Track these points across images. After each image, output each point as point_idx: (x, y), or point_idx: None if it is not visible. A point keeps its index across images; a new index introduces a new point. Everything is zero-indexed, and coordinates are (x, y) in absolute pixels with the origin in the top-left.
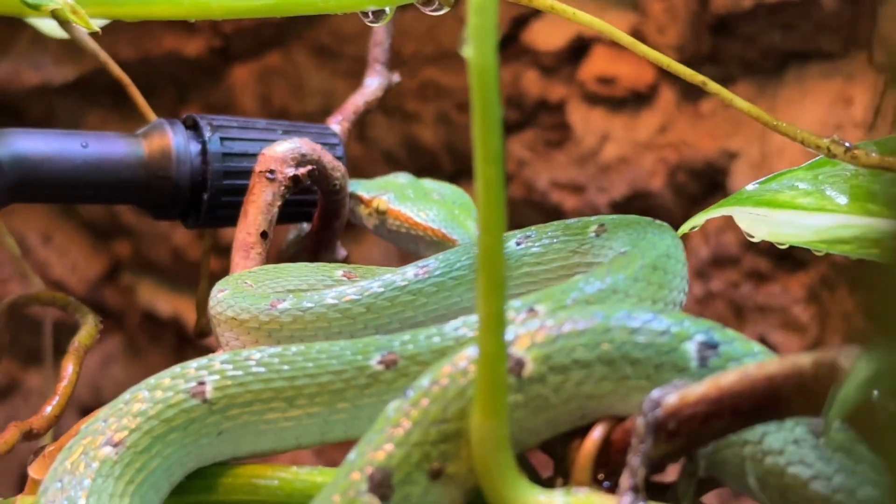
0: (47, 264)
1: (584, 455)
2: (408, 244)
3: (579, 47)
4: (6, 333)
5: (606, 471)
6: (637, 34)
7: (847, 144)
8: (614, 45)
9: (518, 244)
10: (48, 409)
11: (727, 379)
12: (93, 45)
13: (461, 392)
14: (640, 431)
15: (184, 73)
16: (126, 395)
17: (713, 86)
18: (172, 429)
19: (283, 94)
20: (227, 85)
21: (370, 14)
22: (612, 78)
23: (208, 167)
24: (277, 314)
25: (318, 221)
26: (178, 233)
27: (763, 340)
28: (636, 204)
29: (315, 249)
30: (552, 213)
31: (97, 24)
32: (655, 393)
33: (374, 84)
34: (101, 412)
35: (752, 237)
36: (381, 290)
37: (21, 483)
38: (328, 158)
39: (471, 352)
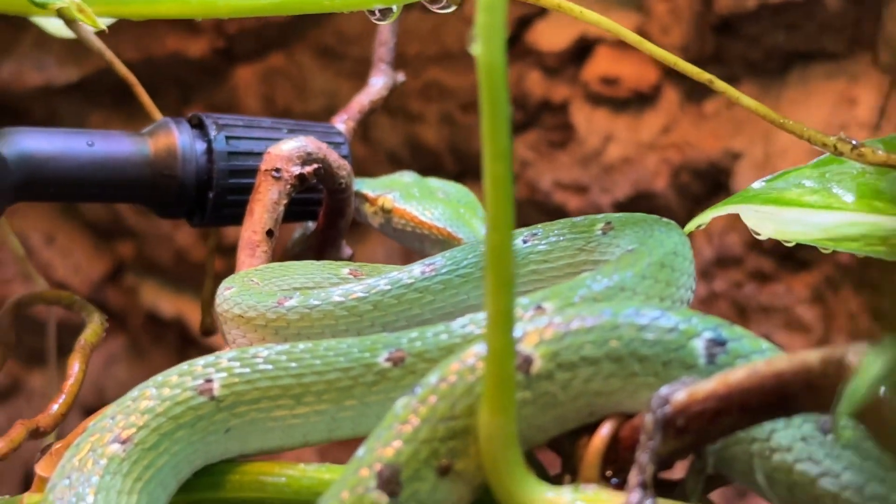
0: (50, 265)
1: (593, 452)
2: (413, 243)
3: (583, 48)
4: (12, 332)
5: (615, 468)
6: (641, 35)
7: (853, 142)
8: (618, 45)
9: (525, 242)
10: (55, 408)
11: (736, 375)
12: (98, 44)
13: (469, 389)
14: (648, 428)
15: (187, 73)
16: (134, 393)
17: (720, 84)
18: (180, 426)
19: (286, 94)
20: (231, 86)
21: (377, 12)
22: (615, 78)
23: (214, 166)
24: (284, 312)
25: (323, 220)
26: (181, 233)
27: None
28: (640, 204)
29: (320, 248)
30: (555, 214)
31: (103, 22)
32: (664, 389)
33: (379, 83)
34: (109, 409)
35: (759, 235)
36: (388, 287)
37: (25, 482)
38: (334, 157)
39: (479, 349)
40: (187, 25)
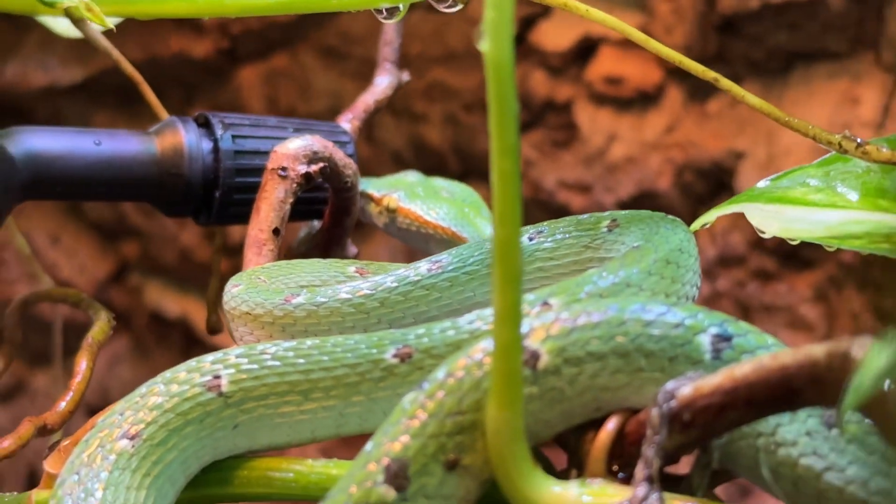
0: (55, 265)
1: (599, 446)
2: (418, 242)
3: (586, 48)
4: (18, 331)
5: (621, 462)
6: (644, 34)
7: (858, 140)
8: (621, 45)
9: (531, 240)
10: (62, 405)
11: (742, 370)
12: (105, 43)
13: (477, 384)
14: (654, 422)
15: (191, 74)
16: (142, 389)
17: (725, 82)
18: (188, 422)
19: (290, 95)
20: (235, 86)
21: (384, 11)
22: (619, 78)
23: (220, 165)
24: (292, 309)
25: (329, 219)
26: (185, 234)
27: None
28: (643, 204)
29: (326, 247)
30: (559, 213)
31: (111, 22)
32: (670, 384)
33: (384, 83)
34: (118, 406)
35: (764, 233)
36: (395, 284)
37: (30, 480)
38: (340, 156)
39: (486, 344)
40: (192, 26)
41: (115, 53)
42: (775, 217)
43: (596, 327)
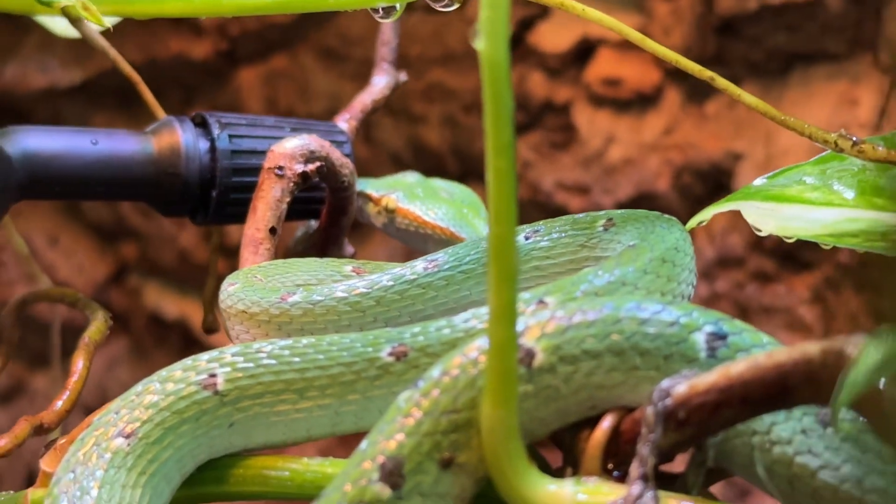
0: (53, 266)
1: (594, 444)
2: (416, 242)
3: (585, 49)
4: (16, 331)
5: (616, 460)
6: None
7: (854, 139)
8: (620, 46)
9: (527, 238)
10: (59, 404)
11: (737, 368)
12: (103, 42)
13: (472, 382)
14: (649, 420)
15: (190, 75)
16: (138, 387)
17: (721, 81)
18: (184, 420)
19: (289, 96)
20: (234, 87)
21: (380, 10)
22: (617, 80)
23: (217, 164)
24: (288, 307)
25: (326, 218)
26: (184, 235)
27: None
28: (642, 205)
29: (323, 246)
30: (557, 215)
31: (108, 21)
32: (665, 382)
33: (381, 83)
34: (113, 404)
35: (760, 231)
36: (391, 283)
37: (28, 479)
38: (337, 155)
39: (481, 342)
40: (190, 27)
41: (114, 53)
42: (771, 215)
43: (591, 325)
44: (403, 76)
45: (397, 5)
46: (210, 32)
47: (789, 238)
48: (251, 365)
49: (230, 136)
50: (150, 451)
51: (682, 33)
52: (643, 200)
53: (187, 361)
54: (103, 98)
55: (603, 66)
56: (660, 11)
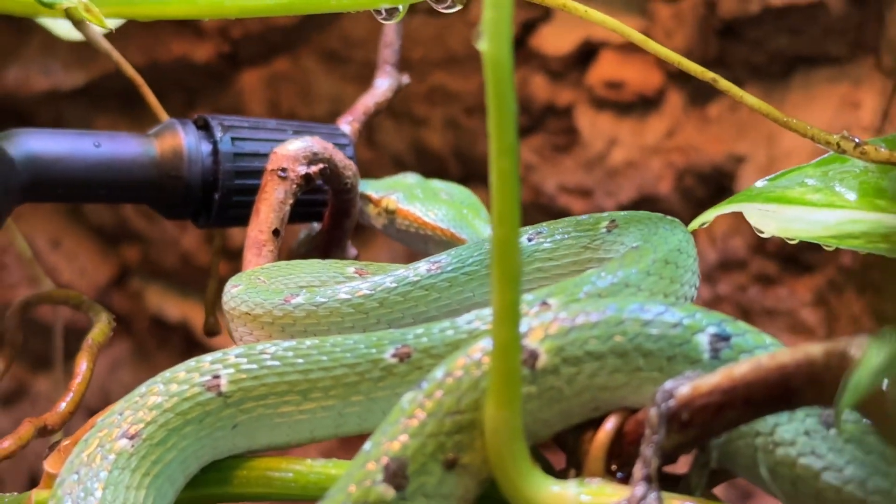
0: (56, 269)
1: (597, 446)
2: (417, 244)
3: (587, 52)
4: (19, 333)
5: (619, 462)
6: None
7: (857, 140)
8: (622, 49)
9: (530, 240)
10: (62, 406)
11: (740, 369)
12: (106, 45)
13: (475, 383)
14: (653, 422)
15: (193, 78)
16: (142, 389)
17: (724, 83)
18: (188, 422)
19: (291, 98)
20: (236, 90)
21: (383, 12)
22: (619, 82)
23: (219, 167)
24: (291, 309)
25: (328, 220)
26: (186, 238)
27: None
28: (644, 208)
29: (326, 248)
30: (560, 217)
31: (111, 23)
32: (668, 384)
33: (384, 85)
34: (117, 405)
35: (762, 233)
36: (394, 285)
37: (31, 480)
38: (339, 157)
39: (485, 343)
40: (193, 30)
41: (116, 55)
42: (773, 217)
43: (594, 327)
44: (406, 78)
45: (400, 7)
46: (212, 35)
47: (791, 239)
48: (255, 366)
49: (233, 139)
50: (154, 453)
51: (684, 36)
52: (645, 203)
53: (191, 363)
54: (106, 100)
55: (605, 68)
56: (662, 14)
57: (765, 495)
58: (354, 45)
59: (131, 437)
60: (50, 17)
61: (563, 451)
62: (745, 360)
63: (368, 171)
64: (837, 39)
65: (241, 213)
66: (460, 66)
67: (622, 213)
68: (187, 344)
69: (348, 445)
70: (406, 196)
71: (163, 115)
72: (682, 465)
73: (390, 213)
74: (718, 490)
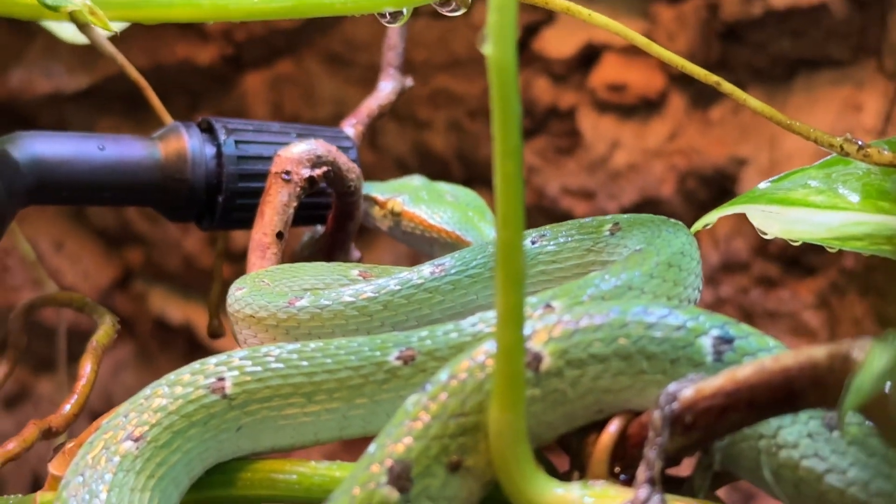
0: (59, 271)
1: (601, 448)
2: (422, 246)
3: (590, 55)
4: (23, 336)
5: (623, 464)
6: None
7: (859, 143)
8: (624, 52)
9: (533, 243)
10: (66, 408)
11: (743, 372)
12: (110, 48)
13: (479, 386)
14: (656, 424)
15: (196, 81)
16: (146, 391)
17: (727, 86)
18: (192, 424)
19: (294, 101)
20: (240, 93)
21: (387, 15)
22: (622, 85)
23: (223, 170)
24: (295, 312)
25: (332, 223)
26: (189, 240)
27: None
28: (646, 210)
29: (329, 251)
30: (562, 220)
31: (115, 26)
32: (672, 386)
33: (387, 88)
34: (122, 408)
35: (765, 234)
36: (398, 287)
37: (34, 482)
38: (343, 160)
39: (489, 346)
40: (196, 33)
41: (121, 58)
42: (777, 218)
43: (598, 330)
44: (409, 81)
45: (404, 10)
46: (216, 38)
47: (794, 241)
48: (259, 369)
49: (236, 142)
50: (159, 455)
51: (686, 39)
52: (648, 206)
53: (195, 365)
54: (109, 103)
55: (608, 71)
56: (664, 17)
57: (768, 498)
58: (358, 48)
59: (136, 440)
60: (54, 20)
61: (566, 453)
62: (749, 362)
63: (372, 174)
64: (840, 42)
65: (244, 215)
66: (464, 69)
67: (625, 215)
68: (190, 346)
69: (352, 448)
70: (412, 198)
71: (166, 117)
72: (685, 468)
73: (396, 216)
74: (722, 492)
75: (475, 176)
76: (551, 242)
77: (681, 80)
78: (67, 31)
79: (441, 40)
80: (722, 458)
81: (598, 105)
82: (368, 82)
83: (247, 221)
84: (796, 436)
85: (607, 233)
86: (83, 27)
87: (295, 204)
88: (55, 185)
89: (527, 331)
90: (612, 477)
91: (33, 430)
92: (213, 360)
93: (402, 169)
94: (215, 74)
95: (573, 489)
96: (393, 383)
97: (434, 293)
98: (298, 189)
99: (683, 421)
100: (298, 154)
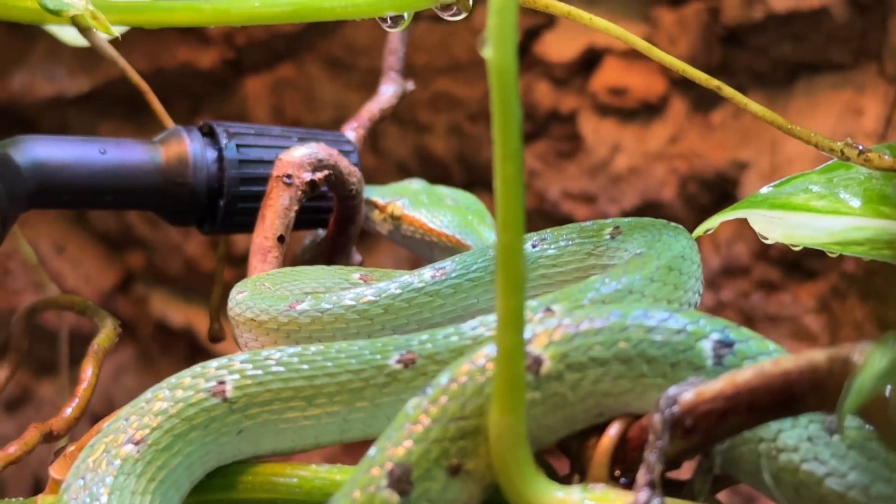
0: (60, 275)
1: (601, 451)
2: (422, 249)
3: (591, 59)
4: (24, 339)
5: (623, 467)
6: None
7: (861, 147)
8: (625, 56)
9: (534, 247)
10: (68, 412)
11: (743, 375)
12: (112, 52)
13: (479, 389)
14: (656, 428)
15: (197, 85)
16: (147, 394)
17: (728, 90)
18: (193, 427)
19: (295, 105)
20: (241, 97)
21: (388, 19)
22: (623, 89)
23: (224, 174)
24: (296, 315)
25: (333, 227)
26: (190, 243)
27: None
28: (647, 214)
29: (331, 255)
30: (563, 224)
31: (117, 30)
32: (672, 390)
33: (388, 92)
34: (123, 411)
35: (766, 239)
36: (399, 291)
37: (35, 486)
38: (344, 164)
39: (489, 350)
40: (197, 37)
41: (122, 62)
42: (778, 223)
43: (598, 333)
44: (411, 85)
45: (405, 14)
46: (217, 42)
47: (795, 246)
48: (260, 372)
49: (238, 146)
50: (160, 458)
51: (687, 43)
52: (649, 209)
53: (196, 368)
54: (111, 107)
55: (609, 75)
56: (665, 21)
57: (768, 501)
58: (359, 52)
59: (137, 443)
60: (55, 24)
61: (566, 456)
62: (749, 366)
63: (373, 178)
64: (841, 46)
65: (246, 219)
66: (464, 72)
67: (626, 219)
68: (191, 350)
69: (353, 451)
70: (412, 202)
71: (168, 121)
72: (685, 471)
73: (396, 219)
74: (722, 496)
75: (476, 179)
76: (552, 246)
77: (682, 84)
78: (69, 35)
79: (442, 44)
80: (722, 461)
81: (599, 109)
82: (369, 86)
83: (248, 225)
84: (796, 439)
85: (608, 236)
86: (85, 31)
87: (296, 207)
88: (56, 188)
89: (527, 334)
90: (613, 480)
91: (34, 434)
92: (213, 363)
93: (403, 172)
94: (216, 78)
95: (573, 492)
96: (393, 387)
97: (435, 297)
98: (300, 193)
99: (684, 424)
100: (300, 158)
